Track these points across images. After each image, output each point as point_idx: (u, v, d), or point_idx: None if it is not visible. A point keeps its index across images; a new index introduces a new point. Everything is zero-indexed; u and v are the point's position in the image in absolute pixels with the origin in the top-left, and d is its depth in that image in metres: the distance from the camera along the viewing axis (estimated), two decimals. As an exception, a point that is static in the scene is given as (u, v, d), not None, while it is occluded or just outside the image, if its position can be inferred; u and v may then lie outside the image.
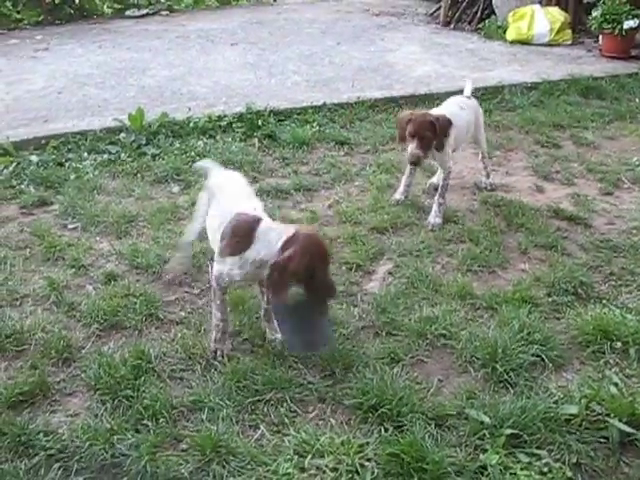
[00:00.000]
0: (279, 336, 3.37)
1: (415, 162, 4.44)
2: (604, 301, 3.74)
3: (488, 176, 5.21)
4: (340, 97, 6.97)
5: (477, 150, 5.85)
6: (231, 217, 3.18)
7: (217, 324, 3.28)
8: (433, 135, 4.35)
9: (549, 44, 9.31)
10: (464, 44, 9.42)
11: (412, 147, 4.34)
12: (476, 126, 4.99)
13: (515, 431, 2.80)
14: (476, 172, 5.46)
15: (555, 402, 2.97)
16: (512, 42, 9.38)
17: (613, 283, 3.96)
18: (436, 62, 8.46)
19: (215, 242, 3.33)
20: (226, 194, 3.42)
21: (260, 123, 6.15)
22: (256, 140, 5.93)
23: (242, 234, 3.10)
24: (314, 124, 6.28)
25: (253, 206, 3.28)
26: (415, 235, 4.42)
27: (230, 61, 8.50)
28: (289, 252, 2.93)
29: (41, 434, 2.80)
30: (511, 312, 3.55)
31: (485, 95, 7.08)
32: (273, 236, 3.04)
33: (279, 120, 6.33)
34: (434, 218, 4.55)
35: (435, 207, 4.58)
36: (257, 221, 3.12)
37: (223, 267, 3.18)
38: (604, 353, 3.33)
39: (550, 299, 3.76)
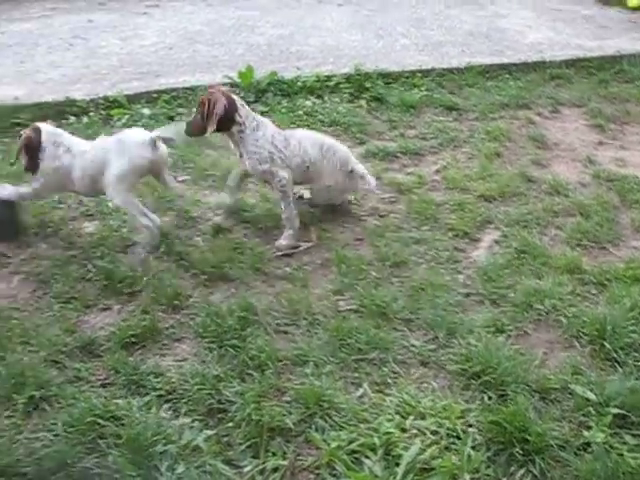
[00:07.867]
0: None
1: None
2: None
3: None
4: (449, 62, 6.85)
5: (590, 122, 5.68)
6: None
7: None
8: None
9: (676, 12, 8.83)
10: (579, 10, 9.04)
11: None
12: None
13: (622, 411, 2.72)
14: (588, 144, 5.28)
15: (667, 385, 2.87)
16: (634, 9, 8.93)
17: None
18: (550, 29, 8.16)
19: None
20: None
21: (368, 85, 6.11)
22: (364, 102, 5.90)
23: None
24: (422, 88, 6.20)
25: None
26: (523, 205, 4.32)
27: (338, 21, 8.45)
28: None
29: (151, 375, 2.90)
30: (622, 290, 3.43)
31: (601, 65, 6.83)
32: None
33: (387, 83, 6.27)
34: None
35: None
36: None
37: None
38: None
39: (665, 279, 3.61)
